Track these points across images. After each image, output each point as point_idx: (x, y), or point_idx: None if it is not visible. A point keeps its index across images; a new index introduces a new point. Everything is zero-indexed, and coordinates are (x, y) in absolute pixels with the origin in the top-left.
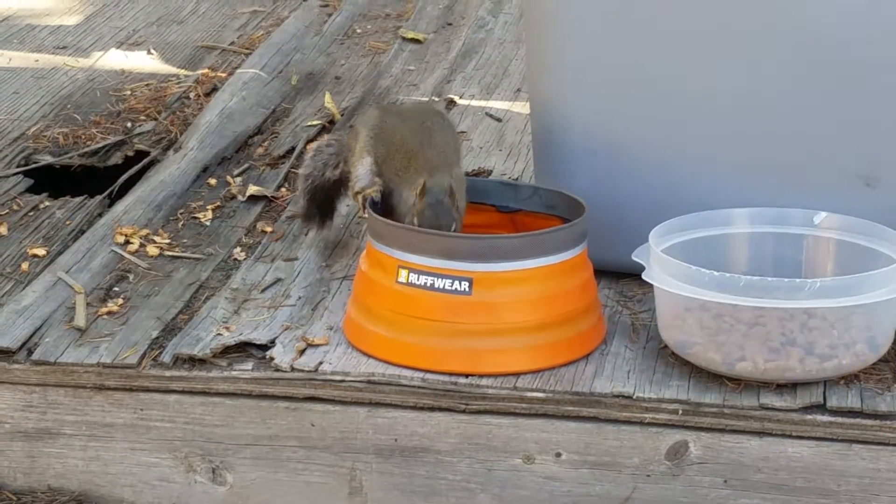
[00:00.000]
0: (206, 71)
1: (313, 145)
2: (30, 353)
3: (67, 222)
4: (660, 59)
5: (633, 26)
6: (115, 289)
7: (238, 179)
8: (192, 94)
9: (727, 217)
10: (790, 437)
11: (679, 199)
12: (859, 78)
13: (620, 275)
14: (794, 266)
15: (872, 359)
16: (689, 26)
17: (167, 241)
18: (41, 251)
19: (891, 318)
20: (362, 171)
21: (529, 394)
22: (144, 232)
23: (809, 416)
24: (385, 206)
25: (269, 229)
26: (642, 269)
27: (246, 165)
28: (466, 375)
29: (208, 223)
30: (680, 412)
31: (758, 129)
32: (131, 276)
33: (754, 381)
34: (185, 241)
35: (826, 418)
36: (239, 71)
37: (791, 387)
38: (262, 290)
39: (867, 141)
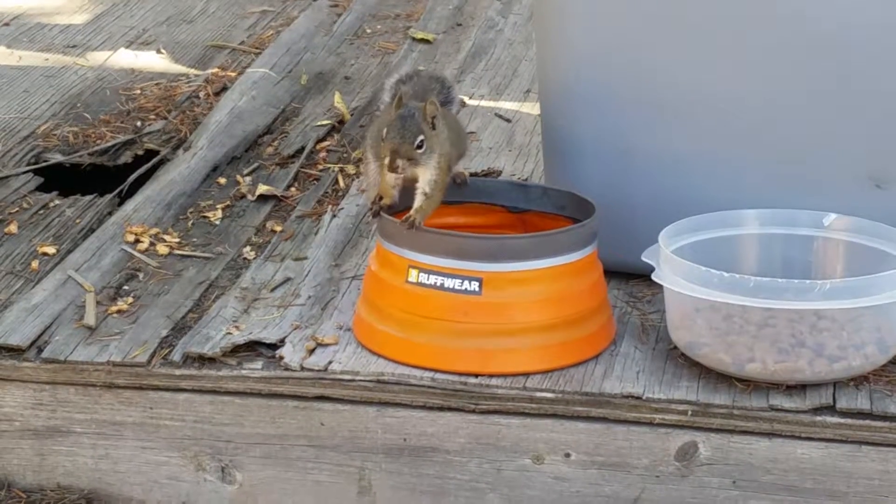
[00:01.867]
0: (215, 70)
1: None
2: (40, 351)
3: (77, 221)
4: (671, 60)
5: (643, 27)
6: (125, 287)
7: (248, 179)
8: (201, 94)
9: (737, 218)
10: (799, 438)
11: (689, 199)
12: (869, 79)
13: (630, 275)
14: (803, 268)
15: (882, 360)
16: (701, 27)
17: (177, 239)
18: (51, 249)
19: None
20: (369, 170)
21: (539, 394)
22: (154, 231)
23: (819, 418)
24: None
25: (278, 228)
26: (652, 269)
27: (255, 165)
28: (476, 375)
29: (218, 222)
30: (689, 413)
31: (768, 130)
32: (141, 275)
33: (764, 383)
34: (194, 240)
35: (835, 420)
36: (249, 70)
37: (800, 388)
38: (272, 290)
39: (877, 142)
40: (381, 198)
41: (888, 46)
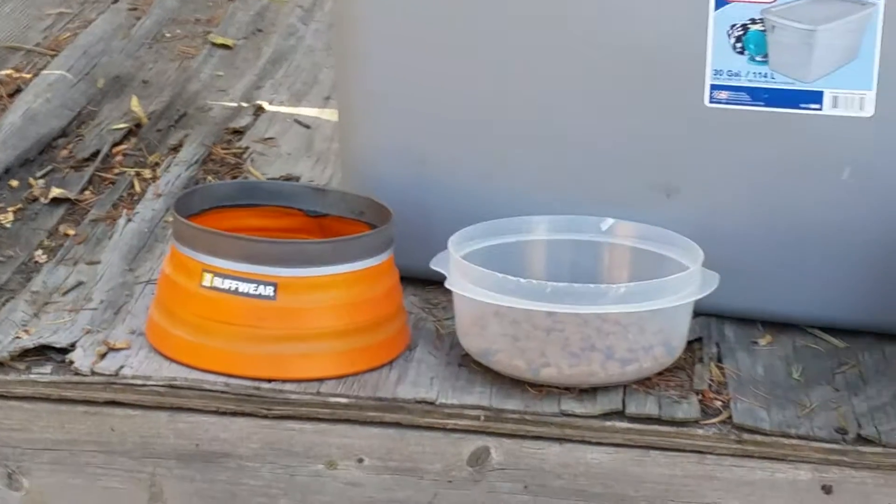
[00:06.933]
0: (9, 72)
1: None
2: None
3: None
4: (463, 72)
5: (436, 41)
6: None
7: (41, 182)
8: None
9: (526, 224)
10: (589, 443)
11: (485, 208)
12: (655, 90)
13: (426, 282)
14: (590, 273)
15: (669, 361)
16: (490, 37)
17: None
18: None
19: (684, 323)
20: None
21: (332, 399)
22: None
23: (608, 423)
24: None
25: (71, 232)
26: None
27: (49, 168)
28: (270, 380)
29: (9, 225)
30: (482, 418)
31: (560, 140)
32: None
33: (560, 387)
34: None
35: (624, 425)
36: (44, 72)
37: (591, 393)
38: (64, 294)
39: (665, 152)
40: None
41: (672, 60)
